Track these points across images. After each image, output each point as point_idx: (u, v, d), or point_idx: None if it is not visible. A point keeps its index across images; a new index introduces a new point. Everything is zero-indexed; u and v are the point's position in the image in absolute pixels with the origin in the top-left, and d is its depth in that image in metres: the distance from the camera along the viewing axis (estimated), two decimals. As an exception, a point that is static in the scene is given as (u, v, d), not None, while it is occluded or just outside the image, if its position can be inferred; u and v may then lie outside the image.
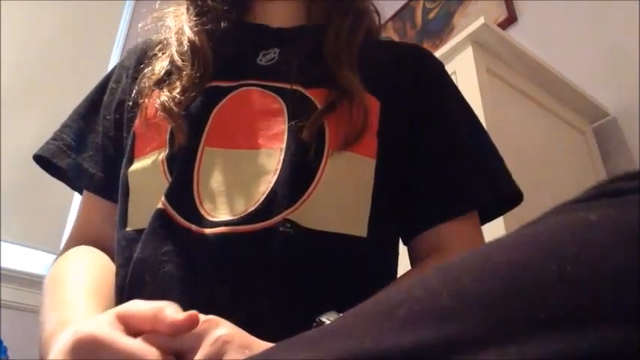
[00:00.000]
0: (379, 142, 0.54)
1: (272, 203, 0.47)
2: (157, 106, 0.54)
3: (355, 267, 0.50)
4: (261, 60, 0.59)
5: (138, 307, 0.35)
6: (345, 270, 0.49)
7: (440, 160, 0.57)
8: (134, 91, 0.59)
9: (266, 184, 0.49)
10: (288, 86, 0.54)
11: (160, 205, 0.49)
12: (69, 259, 0.56)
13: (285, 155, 0.50)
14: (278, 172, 0.49)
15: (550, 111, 1.31)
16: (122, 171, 0.56)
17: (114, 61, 2.36)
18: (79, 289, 0.50)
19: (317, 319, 0.39)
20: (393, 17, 2.31)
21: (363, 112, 0.52)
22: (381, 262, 0.54)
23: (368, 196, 0.52)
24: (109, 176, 0.59)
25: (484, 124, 1.00)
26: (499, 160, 0.60)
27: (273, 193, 0.48)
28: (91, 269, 0.54)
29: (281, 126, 0.52)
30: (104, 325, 0.34)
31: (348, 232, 0.50)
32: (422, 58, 0.64)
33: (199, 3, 0.63)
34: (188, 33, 0.59)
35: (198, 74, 0.56)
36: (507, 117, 1.13)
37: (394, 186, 0.55)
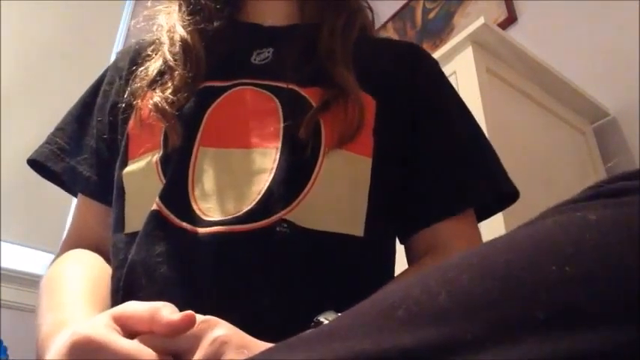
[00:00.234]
0: (375, 141, 0.53)
1: (268, 203, 0.47)
2: (150, 106, 0.54)
3: (352, 266, 0.50)
4: (255, 59, 0.58)
5: (134, 308, 0.35)
6: (342, 269, 0.49)
7: (436, 158, 0.57)
8: (128, 92, 0.59)
9: (262, 184, 0.48)
10: (283, 85, 0.54)
11: (154, 207, 0.49)
12: (65, 261, 0.56)
13: (280, 154, 0.50)
14: (274, 171, 0.49)
15: (550, 111, 1.31)
16: (116, 173, 0.56)
17: (114, 61, 2.35)
18: (76, 290, 0.50)
19: (315, 319, 0.39)
20: (393, 17, 2.31)
21: (358, 110, 0.52)
22: (378, 261, 0.54)
23: (364, 195, 0.52)
24: (104, 179, 0.58)
25: (484, 124, 1.01)
26: (495, 157, 0.60)
27: (269, 192, 0.48)
28: (87, 271, 0.54)
29: (276, 125, 0.52)
30: (101, 327, 0.34)
31: (345, 231, 0.50)
32: (417, 56, 0.64)
33: (192, 1, 0.62)
34: (180, 32, 0.59)
35: (190, 74, 0.56)
36: (507, 117, 1.13)
37: (391, 184, 0.55)
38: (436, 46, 1.94)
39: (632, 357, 0.16)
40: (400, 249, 0.58)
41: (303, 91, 0.54)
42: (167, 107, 0.53)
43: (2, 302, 1.70)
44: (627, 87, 1.37)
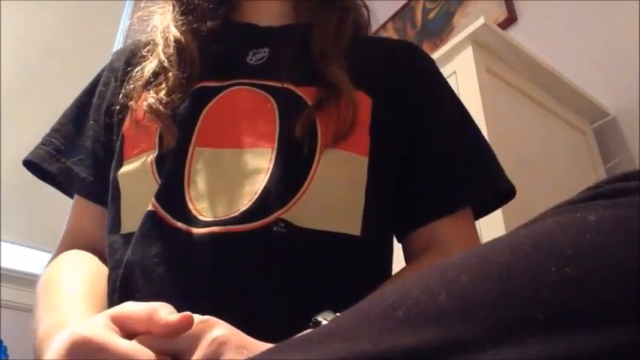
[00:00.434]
0: (372, 140, 0.53)
1: (265, 202, 0.47)
2: (144, 107, 0.54)
3: (350, 265, 0.50)
4: (251, 59, 0.58)
5: (132, 308, 0.35)
6: (339, 268, 0.49)
7: (433, 157, 0.57)
8: (122, 93, 0.59)
9: (258, 183, 0.48)
10: (279, 85, 0.54)
11: (150, 207, 0.49)
12: (61, 262, 0.56)
13: (277, 154, 0.50)
14: (270, 170, 0.49)
15: (550, 111, 1.31)
16: (112, 174, 0.56)
17: (114, 61, 2.35)
18: (73, 291, 0.50)
19: (314, 319, 0.39)
20: (393, 17, 2.31)
21: (352, 108, 0.52)
22: (376, 260, 0.54)
23: (361, 194, 0.52)
24: (100, 180, 0.58)
25: (484, 124, 1.01)
26: (491, 155, 0.60)
27: (266, 192, 0.48)
28: (84, 272, 0.54)
29: (273, 125, 0.52)
30: (99, 327, 0.33)
31: (342, 230, 0.50)
32: (414, 55, 0.64)
33: (185, 1, 0.62)
34: (174, 32, 0.59)
35: (185, 74, 0.56)
36: (507, 117, 1.13)
37: (388, 183, 0.55)
38: (436, 46, 1.94)
39: (632, 357, 0.16)
40: (397, 247, 0.58)
41: (298, 91, 0.54)
42: (161, 108, 0.53)
43: (2, 302, 1.70)
44: (627, 87, 1.37)
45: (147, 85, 0.57)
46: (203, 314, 0.35)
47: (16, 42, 2.11)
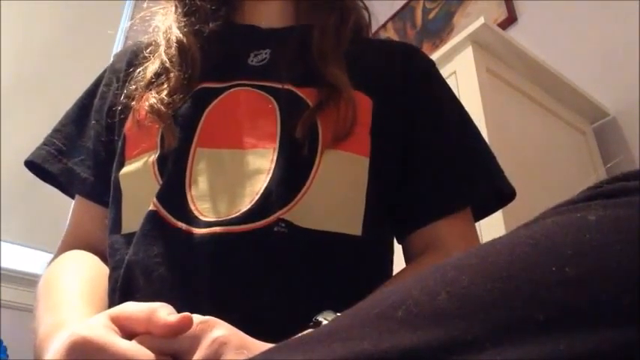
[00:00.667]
0: (372, 140, 0.54)
1: (266, 202, 0.47)
2: (146, 108, 0.54)
3: (350, 266, 0.50)
4: (252, 60, 0.59)
5: (132, 308, 0.35)
6: (340, 269, 0.49)
7: (434, 157, 0.57)
8: (124, 94, 0.59)
9: (260, 184, 0.49)
10: (279, 86, 0.55)
11: (151, 207, 0.49)
12: (62, 263, 0.56)
13: (278, 155, 0.50)
14: (272, 171, 0.49)
15: (550, 111, 1.31)
16: (113, 174, 0.56)
17: (114, 61, 2.35)
18: (73, 291, 0.50)
19: (314, 319, 0.39)
20: (393, 17, 2.31)
21: (351, 109, 0.52)
22: (377, 260, 0.54)
23: (362, 195, 0.52)
24: (101, 180, 0.58)
25: (484, 124, 1.01)
26: (491, 156, 0.60)
27: (267, 192, 0.48)
28: (84, 272, 0.54)
29: (274, 125, 0.52)
30: (99, 327, 0.33)
31: (343, 230, 0.50)
32: (412, 56, 0.64)
33: (187, 2, 0.62)
34: (176, 33, 0.59)
35: (186, 75, 0.56)
36: (507, 117, 1.13)
37: (389, 184, 0.55)
38: (436, 47, 1.94)
39: (631, 357, 0.16)
40: (397, 247, 0.58)
41: (299, 92, 0.54)
42: (163, 108, 0.53)
43: (2, 302, 1.70)
44: (627, 87, 1.37)
45: (149, 85, 0.57)
46: (204, 314, 0.35)
47: (16, 42, 2.11)
